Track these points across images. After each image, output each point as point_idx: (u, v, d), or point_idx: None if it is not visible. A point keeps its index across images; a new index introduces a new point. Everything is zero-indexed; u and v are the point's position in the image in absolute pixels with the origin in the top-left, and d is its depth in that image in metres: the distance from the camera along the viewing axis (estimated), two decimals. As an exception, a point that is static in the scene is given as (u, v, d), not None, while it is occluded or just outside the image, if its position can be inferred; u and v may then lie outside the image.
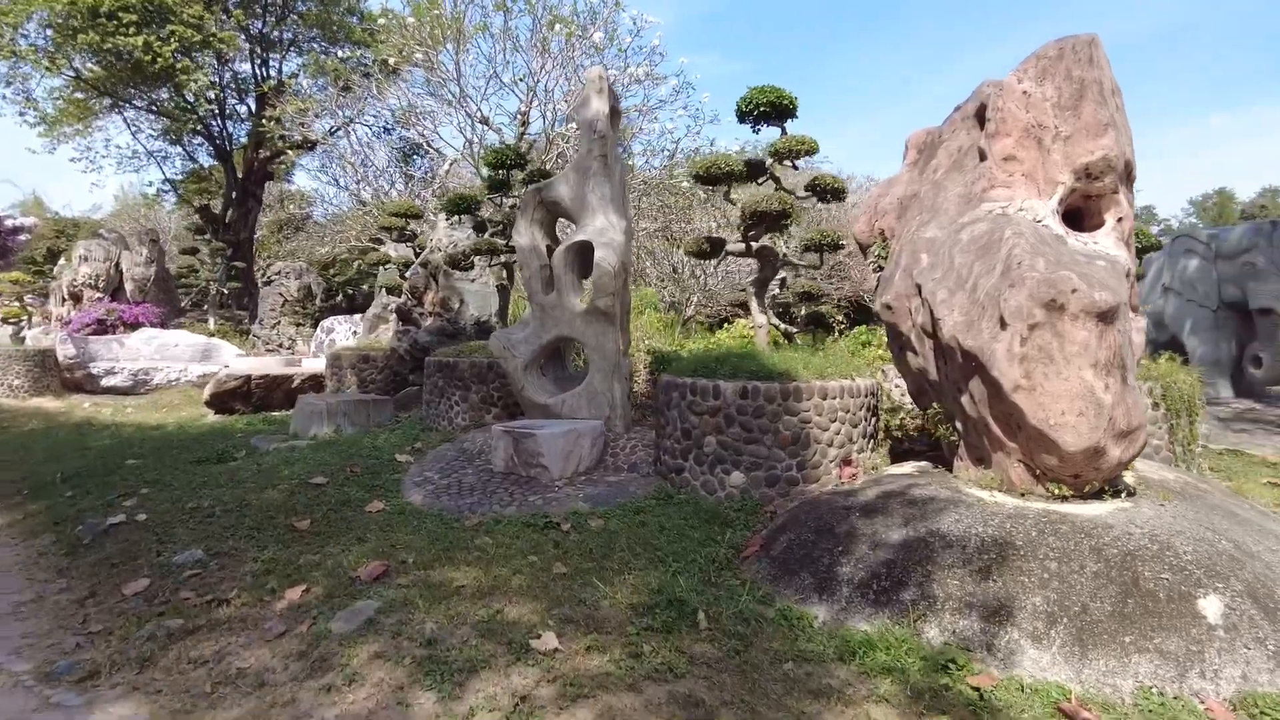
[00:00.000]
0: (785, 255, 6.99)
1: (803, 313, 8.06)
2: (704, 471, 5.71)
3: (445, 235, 9.89)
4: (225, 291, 19.35)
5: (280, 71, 22.95)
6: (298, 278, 19.53)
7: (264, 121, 21.76)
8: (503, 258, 8.69)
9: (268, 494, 6.07)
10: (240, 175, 22.47)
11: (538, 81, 17.37)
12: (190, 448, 8.70)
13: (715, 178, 6.46)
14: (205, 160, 25.16)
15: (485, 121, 18.37)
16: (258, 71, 22.58)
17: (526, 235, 7.44)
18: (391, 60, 18.99)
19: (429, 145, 20.75)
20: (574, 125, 17.73)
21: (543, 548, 4.75)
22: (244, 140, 23.28)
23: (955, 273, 4.49)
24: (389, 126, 23.91)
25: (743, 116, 6.43)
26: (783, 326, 7.41)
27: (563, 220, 7.80)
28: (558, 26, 17.11)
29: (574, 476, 6.27)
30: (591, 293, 6.93)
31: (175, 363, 15.95)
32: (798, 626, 3.83)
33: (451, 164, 20.22)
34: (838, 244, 6.19)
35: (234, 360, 15.34)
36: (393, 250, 12.72)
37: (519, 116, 18.26)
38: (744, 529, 5.14)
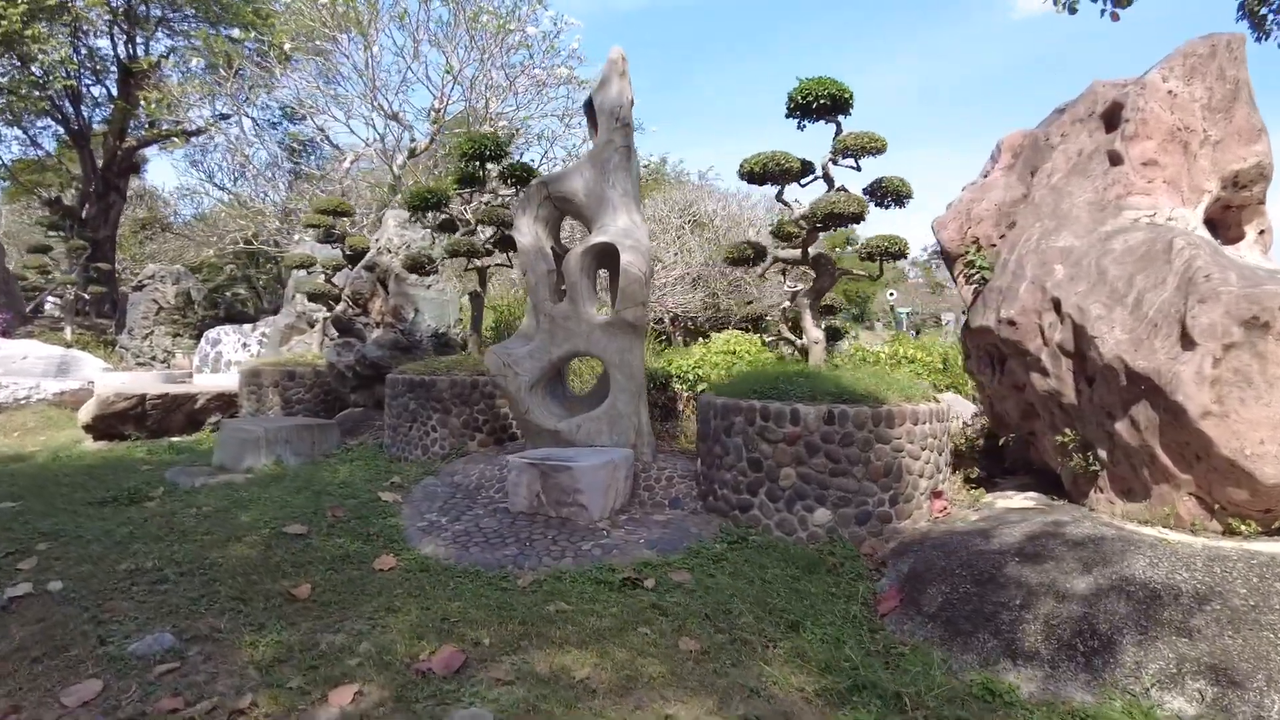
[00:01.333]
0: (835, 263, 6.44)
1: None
2: (780, 509, 4.96)
3: (396, 235, 8.64)
4: (86, 296, 16.59)
5: (147, 51, 20.24)
6: (175, 282, 17.14)
7: (130, 106, 19.11)
8: (479, 261, 7.60)
9: (234, 549, 4.73)
10: (100, 165, 19.57)
11: (458, 74, 16.21)
12: (83, 484, 6.98)
13: (771, 175, 5.78)
14: (50, 145, 21.83)
15: (395, 117, 16.96)
16: (121, 50, 19.77)
17: (530, 234, 6.45)
18: (288, 46, 17.19)
19: (327, 140, 18.96)
20: (503, 123, 16.72)
21: (643, 614, 3.81)
22: (101, 126, 20.35)
23: (1108, 286, 4.03)
24: (275, 120, 21.77)
25: (795, 110, 5.80)
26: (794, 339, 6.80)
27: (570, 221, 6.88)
28: (484, 19, 16.05)
29: (614, 516, 5.34)
30: (618, 302, 6.05)
31: (24, 378, 13.39)
32: (1009, 702, 3.16)
33: (354, 161, 18.52)
34: (902, 252, 5.66)
35: (102, 376, 13.03)
36: (315, 251, 11.19)
37: (432, 112, 16.97)
38: (852, 577, 4.43)
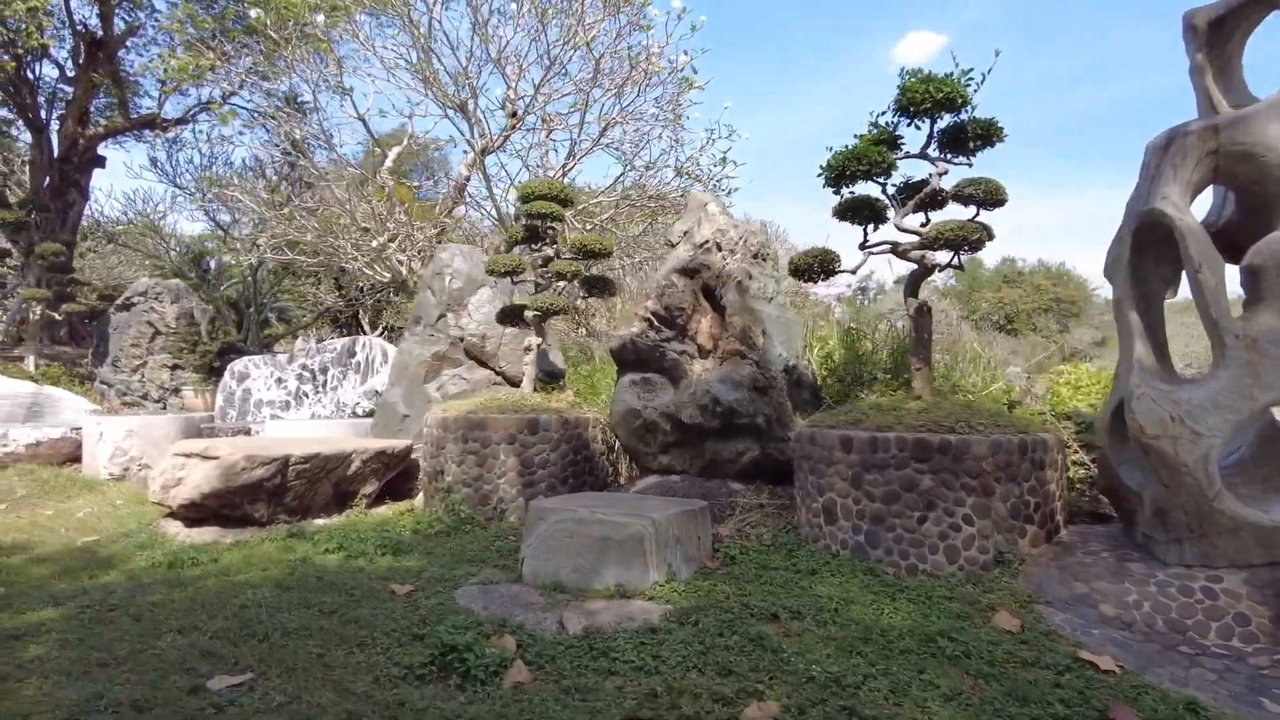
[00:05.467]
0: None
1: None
2: None
3: (730, 227, 5.88)
4: (58, 318, 12.39)
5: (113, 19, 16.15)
6: (174, 300, 13.27)
7: (95, 84, 15.04)
8: (931, 257, 5.03)
9: None
10: (58, 156, 15.31)
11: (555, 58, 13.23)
12: (329, 633, 3.84)
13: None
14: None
15: (461, 108, 13.77)
16: (84, 15, 15.63)
17: (1186, 210, 4.00)
18: (323, 18, 13.82)
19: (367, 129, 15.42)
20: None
21: None
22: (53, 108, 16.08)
23: None
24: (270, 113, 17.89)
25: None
26: None
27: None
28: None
29: None
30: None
31: None
32: None
33: (394, 156, 15.12)
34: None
35: (92, 420, 9.24)
36: (457, 257, 8.15)
37: (507, 104, 13.90)
38: None
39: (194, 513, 6.26)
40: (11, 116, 16.41)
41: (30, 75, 14.91)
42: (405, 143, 14.52)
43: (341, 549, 5.46)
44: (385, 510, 6.94)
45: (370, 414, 10.03)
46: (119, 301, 13.22)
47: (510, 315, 7.26)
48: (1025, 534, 4.36)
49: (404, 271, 12.56)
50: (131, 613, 4.34)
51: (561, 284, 7.44)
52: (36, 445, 9.20)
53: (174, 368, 13.04)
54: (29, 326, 11.88)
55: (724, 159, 12.34)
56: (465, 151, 13.33)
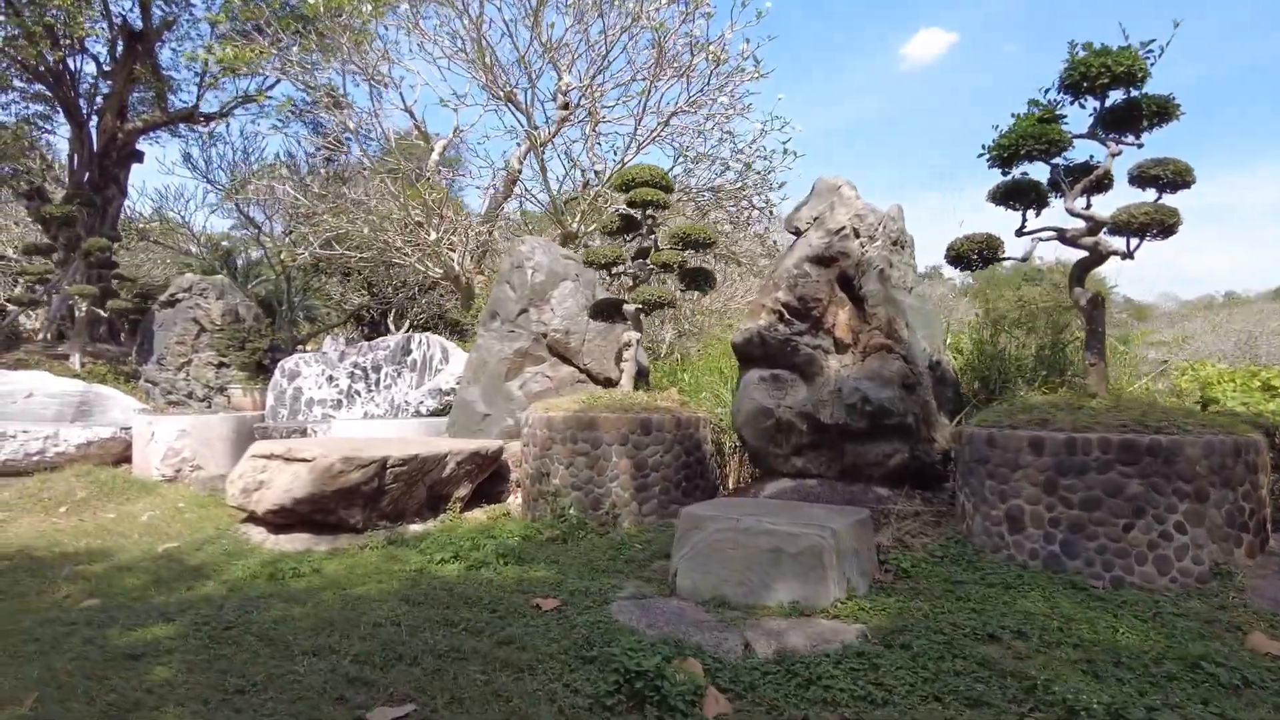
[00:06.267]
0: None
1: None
2: None
3: (869, 212, 5.46)
4: (103, 315, 12.03)
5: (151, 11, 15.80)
6: (219, 296, 12.92)
7: (134, 77, 14.69)
8: (1111, 243, 4.62)
9: None
10: (97, 151, 14.98)
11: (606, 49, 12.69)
12: (480, 654, 3.46)
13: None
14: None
15: (510, 99, 13.24)
16: (116, 8, 15.26)
17: None
18: (369, 7, 13.39)
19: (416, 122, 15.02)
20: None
21: None
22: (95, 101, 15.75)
23: None
24: (305, 106, 17.44)
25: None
26: None
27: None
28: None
29: None
30: None
31: (35, 425, 9.13)
32: None
33: (442, 149, 14.67)
34: None
35: (142, 419, 8.92)
36: (538, 251, 7.77)
37: (559, 95, 13.39)
38: None
39: (281, 518, 5.89)
40: (48, 112, 16.13)
41: (71, 68, 14.61)
42: (451, 135, 14.17)
43: (457, 558, 5.07)
44: (479, 515, 6.56)
45: (435, 413, 9.66)
46: (163, 298, 12.87)
47: (605, 310, 6.88)
48: (1241, 543, 3.95)
49: (456, 266, 12.18)
50: (254, 631, 3.98)
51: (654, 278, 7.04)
52: (87, 445, 8.91)
53: (220, 365, 12.70)
54: (74, 323, 11.55)
55: (784, 149, 11.93)
56: (517, 143, 12.94)
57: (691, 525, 4.28)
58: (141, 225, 19.43)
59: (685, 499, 6.09)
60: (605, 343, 7.99)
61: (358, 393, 11.52)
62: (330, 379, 11.61)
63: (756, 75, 11.30)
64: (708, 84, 11.23)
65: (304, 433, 9.34)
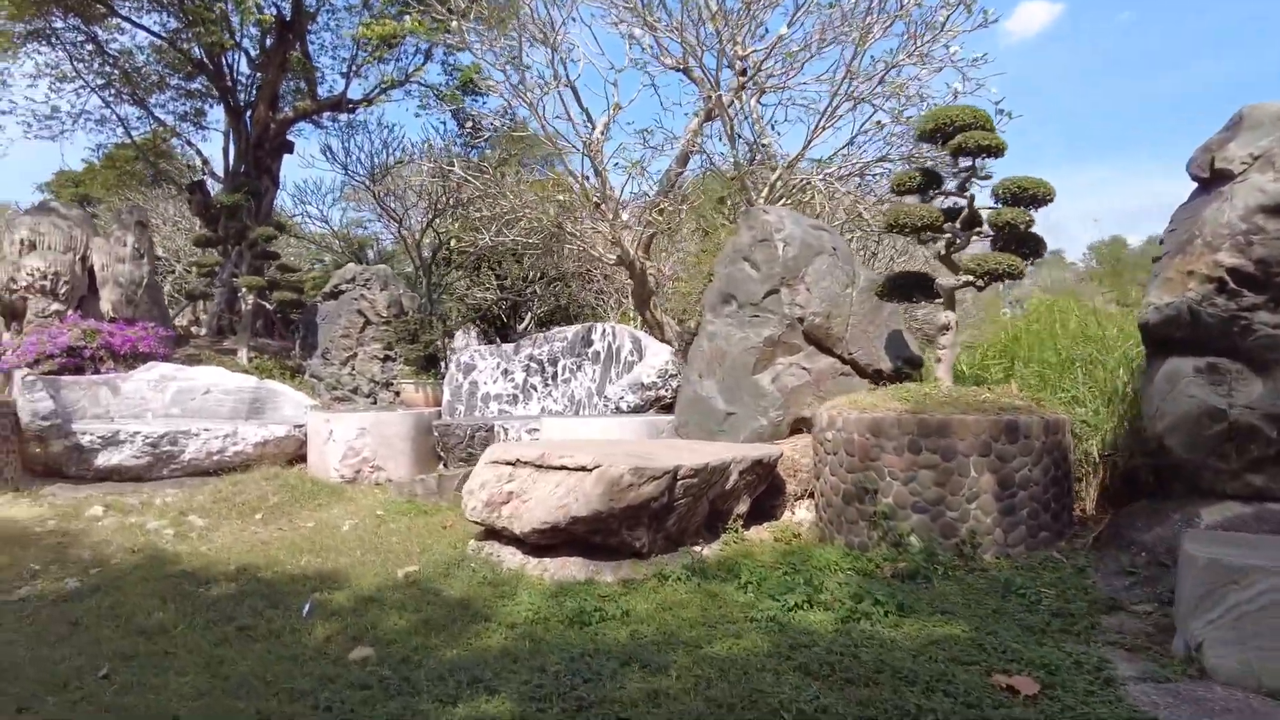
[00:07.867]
0: None
1: None
2: None
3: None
4: (269, 307, 11.59)
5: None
6: (383, 287, 12.30)
7: (283, 68, 14.28)
8: None
9: None
10: (251, 142, 14.74)
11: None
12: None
13: None
14: (167, 118, 16.88)
15: (685, 70, 11.76)
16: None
17: None
18: None
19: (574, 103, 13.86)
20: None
21: None
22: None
23: None
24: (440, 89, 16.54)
25: None
26: None
27: None
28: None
29: None
30: None
31: (213, 422, 8.54)
32: None
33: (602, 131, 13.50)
34: None
35: (318, 417, 8.15)
36: (785, 220, 6.48)
37: (735, 61, 11.79)
38: None
39: (545, 538, 4.82)
40: (203, 107, 16.12)
41: (228, 59, 14.41)
42: (612, 110, 13.11)
43: (811, 603, 3.87)
44: (764, 535, 5.38)
45: (636, 409, 8.59)
46: (326, 289, 12.37)
47: (905, 286, 5.57)
48: None
49: (631, 251, 11.07)
50: (617, 712, 2.88)
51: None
52: (264, 444, 8.28)
53: (385, 359, 12.08)
54: (240, 316, 11.16)
55: (999, 108, 10.23)
56: (691, 115, 11.70)
57: (1226, 579, 2.92)
58: (285, 219, 19.35)
59: (1054, 524, 4.72)
60: (872, 327, 6.68)
61: (534, 387, 10.61)
62: (505, 373, 10.74)
63: (985, 20, 9.67)
64: (923, 36, 9.68)
65: (490, 430, 8.40)
